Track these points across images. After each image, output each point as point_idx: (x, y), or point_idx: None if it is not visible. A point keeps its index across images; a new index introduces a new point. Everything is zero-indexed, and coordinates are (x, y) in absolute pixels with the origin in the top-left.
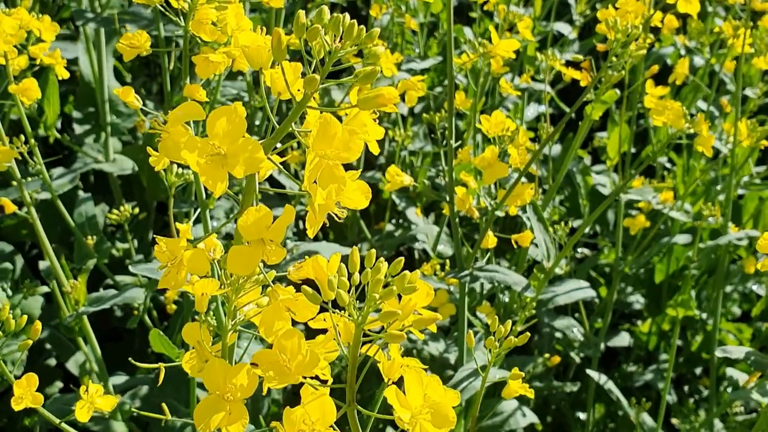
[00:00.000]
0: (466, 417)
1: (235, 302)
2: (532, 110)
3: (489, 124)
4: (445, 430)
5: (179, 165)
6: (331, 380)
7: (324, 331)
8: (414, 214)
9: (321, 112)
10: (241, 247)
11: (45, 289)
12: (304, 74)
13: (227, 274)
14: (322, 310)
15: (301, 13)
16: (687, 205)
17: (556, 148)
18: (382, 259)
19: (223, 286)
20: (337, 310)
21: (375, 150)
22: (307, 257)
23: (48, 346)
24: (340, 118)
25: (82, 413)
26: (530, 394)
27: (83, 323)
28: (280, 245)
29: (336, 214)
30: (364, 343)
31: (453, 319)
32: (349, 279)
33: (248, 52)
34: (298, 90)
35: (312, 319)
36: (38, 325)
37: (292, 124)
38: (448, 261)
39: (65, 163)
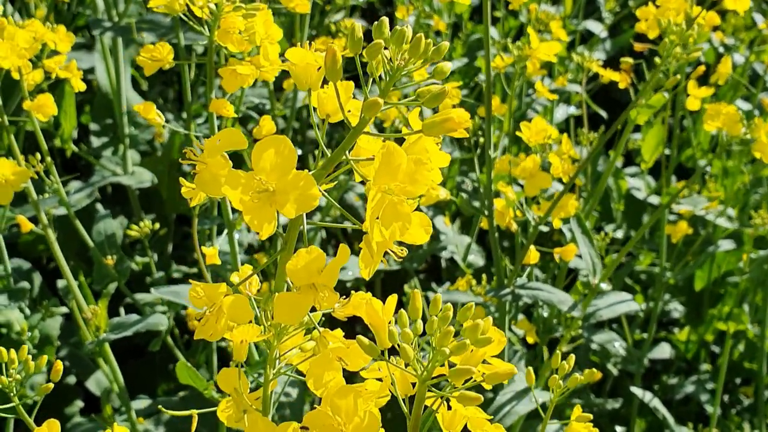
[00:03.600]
0: None
1: (277, 348)
2: (561, 112)
3: (530, 132)
4: None
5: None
6: None
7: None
8: (442, 223)
9: (384, 140)
10: (290, 294)
11: (64, 310)
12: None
13: (268, 315)
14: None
15: (357, 26)
16: (730, 210)
17: (587, 152)
18: (449, 305)
19: (264, 331)
20: (392, 357)
21: (438, 179)
22: (353, 292)
23: (67, 363)
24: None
25: None
26: None
27: (105, 350)
28: (333, 290)
29: (395, 252)
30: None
31: None
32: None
33: (296, 71)
34: (349, 111)
35: (364, 368)
36: (59, 365)
37: (346, 152)
38: (484, 276)
39: (83, 175)
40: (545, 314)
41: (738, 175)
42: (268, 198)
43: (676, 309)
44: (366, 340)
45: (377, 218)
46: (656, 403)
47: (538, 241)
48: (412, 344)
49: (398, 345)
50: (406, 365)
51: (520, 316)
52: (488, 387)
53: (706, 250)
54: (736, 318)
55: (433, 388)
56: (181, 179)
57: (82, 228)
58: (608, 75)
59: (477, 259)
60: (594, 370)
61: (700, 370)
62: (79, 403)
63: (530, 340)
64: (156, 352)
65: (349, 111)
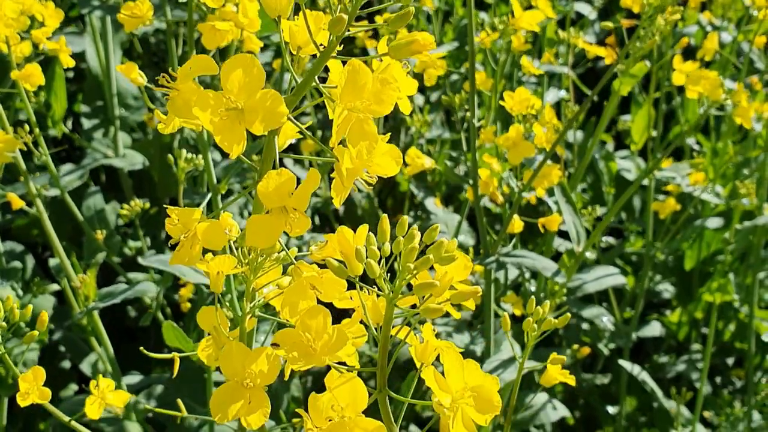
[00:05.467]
0: None
1: (253, 283)
2: (552, 95)
3: (513, 101)
4: (489, 416)
5: (189, 150)
6: (359, 367)
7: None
8: (433, 204)
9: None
10: (261, 216)
11: (55, 287)
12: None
13: (245, 252)
14: (350, 288)
15: None
16: (718, 188)
17: (579, 135)
18: (415, 226)
19: (240, 265)
20: (365, 288)
21: (406, 109)
22: (330, 234)
23: (62, 348)
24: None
25: (92, 409)
26: (571, 381)
27: (94, 320)
28: (304, 214)
29: (365, 181)
30: (395, 324)
31: (477, 311)
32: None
33: None
34: (321, 45)
35: (339, 299)
36: (45, 315)
37: (315, 78)
38: (471, 249)
39: (75, 159)
40: (532, 288)
41: (725, 155)
42: (237, 116)
43: (667, 290)
44: (335, 262)
45: (342, 144)
46: (644, 376)
47: (527, 216)
48: (379, 263)
49: (365, 263)
50: (377, 288)
51: (510, 293)
52: (455, 314)
53: (693, 224)
54: (723, 289)
55: (401, 308)
56: (156, 111)
57: (74, 205)
58: (594, 50)
59: (467, 239)
60: (567, 322)
61: (690, 350)
62: (74, 386)
63: (517, 312)
64: (148, 337)
65: (322, 45)
